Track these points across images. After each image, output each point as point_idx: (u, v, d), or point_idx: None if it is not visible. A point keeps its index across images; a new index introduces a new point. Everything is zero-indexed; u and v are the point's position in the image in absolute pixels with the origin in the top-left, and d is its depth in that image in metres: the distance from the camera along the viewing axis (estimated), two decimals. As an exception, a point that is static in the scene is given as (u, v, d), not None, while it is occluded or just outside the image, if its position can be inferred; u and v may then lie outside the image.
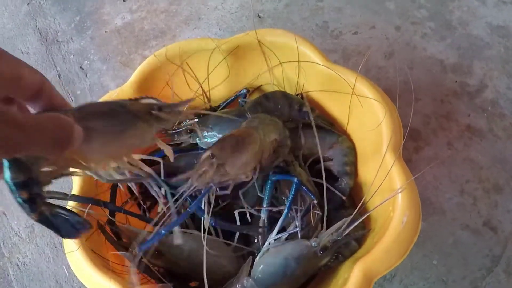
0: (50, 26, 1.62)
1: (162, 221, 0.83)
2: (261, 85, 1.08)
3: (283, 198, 0.92)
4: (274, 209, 0.92)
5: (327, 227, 0.87)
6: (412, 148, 1.18)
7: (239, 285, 0.85)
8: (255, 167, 0.85)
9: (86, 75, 1.47)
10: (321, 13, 1.40)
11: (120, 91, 0.99)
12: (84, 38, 1.56)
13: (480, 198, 1.12)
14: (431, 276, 1.05)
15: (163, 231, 0.82)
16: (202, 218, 0.89)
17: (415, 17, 1.37)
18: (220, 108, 1.07)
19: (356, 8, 1.40)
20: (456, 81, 1.26)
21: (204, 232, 0.85)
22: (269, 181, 0.92)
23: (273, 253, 0.85)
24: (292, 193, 0.90)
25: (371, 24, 1.37)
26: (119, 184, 0.91)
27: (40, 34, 1.61)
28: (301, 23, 1.40)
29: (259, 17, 1.40)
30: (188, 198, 0.87)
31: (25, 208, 0.58)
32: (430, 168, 1.14)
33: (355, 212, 0.85)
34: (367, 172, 0.93)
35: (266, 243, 0.88)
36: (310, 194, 0.90)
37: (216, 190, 0.85)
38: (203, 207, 0.90)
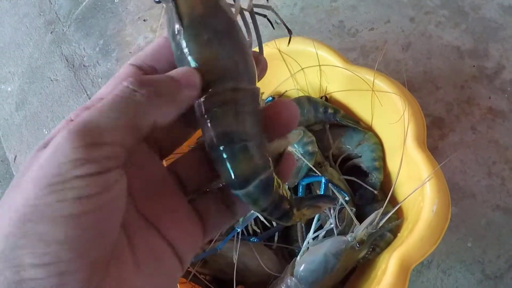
0: (75, 52, 1.66)
1: (216, 237, 0.88)
2: (286, 91, 1.11)
3: (317, 198, 0.96)
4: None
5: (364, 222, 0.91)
6: (437, 135, 1.20)
7: (284, 285, 0.89)
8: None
9: (116, 97, 1.50)
10: (336, 13, 1.43)
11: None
12: (110, 61, 1.60)
13: (508, 178, 1.14)
14: (467, 259, 1.07)
15: (218, 247, 0.88)
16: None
17: (427, 6, 1.39)
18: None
19: (369, 4, 1.42)
20: (474, 66, 1.27)
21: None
22: (300, 186, 0.96)
23: (312, 251, 0.89)
24: (322, 193, 0.93)
25: (386, 18, 1.39)
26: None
27: (67, 60, 1.65)
28: (318, 25, 1.42)
29: (277, 24, 1.42)
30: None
31: None
32: (457, 153, 1.16)
33: (384, 204, 0.88)
34: (395, 165, 0.96)
35: (305, 242, 0.92)
36: (341, 192, 0.94)
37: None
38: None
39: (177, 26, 0.42)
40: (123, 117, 0.36)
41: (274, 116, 0.46)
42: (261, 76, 0.48)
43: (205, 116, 0.42)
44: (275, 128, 0.46)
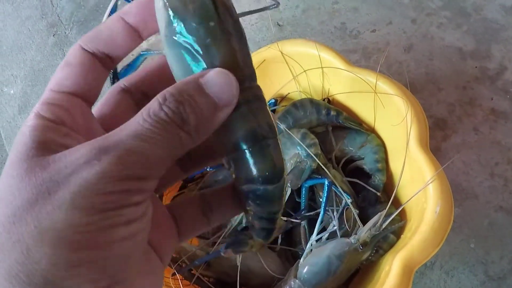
0: (78, 55, 1.66)
1: (219, 239, 0.88)
2: (288, 93, 1.12)
3: (320, 200, 0.96)
4: (312, 213, 0.96)
5: (366, 224, 0.91)
6: (440, 136, 1.20)
7: (287, 287, 0.89)
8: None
9: (118, 99, 1.50)
10: (338, 15, 1.43)
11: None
12: (112, 63, 1.59)
13: (511, 179, 1.13)
14: (470, 260, 1.07)
15: (221, 250, 0.88)
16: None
17: (429, 8, 1.39)
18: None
19: (371, 6, 1.42)
20: (476, 67, 1.27)
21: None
22: (303, 188, 0.96)
23: (316, 254, 0.89)
24: (325, 195, 0.93)
25: (388, 20, 1.39)
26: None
27: (69, 63, 1.65)
28: (320, 27, 1.42)
29: (279, 25, 1.43)
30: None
31: None
32: (459, 155, 1.16)
33: (387, 206, 0.88)
34: (398, 166, 0.96)
35: (308, 244, 0.92)
36: (344, 194, 0.94)
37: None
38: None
39: (204, 14, 0.38)
40: (168, 153, 0.36)
41: None
42: None
43: (240, 110, 0.40)
44: None
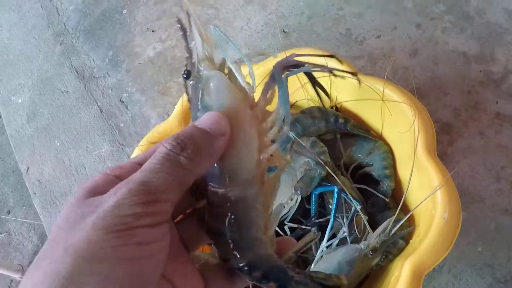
0: (85, 64, 1.67)
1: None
2: (296, 101, 1.13)
3: (330, 207, 0.97)
4: (322, 220, 0.97)
5: (376, 229, 0.92)
6: (446, 141, 1.21)
7: (298, 293, 0.90)
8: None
9: (127, 108, 1.51)
10: (343, 21, 1.44)
11: (165, 124, 1.04)
12: (120, 72, 1.61)
13: (517, 182, 1.15)
14: (478, 263, 1.08)
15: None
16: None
17: (433, 12, 1.40)
18: (260, 128, 1.11)
19: (375, 11, 1.43)
20: (480, 71, 1.28)
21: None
22: (313, 195, 0.98)
23: (326, 260, 0.90)
24: (335, 201, 0.94)
25: (392, 25, 1.40)
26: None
27: (77, 72, 1.66)
28: (325, 33, 1.43)
29: (284, 32, 1.43)
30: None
31: None
32: (465, 159, 1.17)
33: (396, 212, 0.89)
34: (406, 173, 0.96)
35: (319, 251, 0.93)
36: (354, 200, 0.95)
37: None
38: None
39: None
40: (173, 178, 0.42)
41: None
42: None
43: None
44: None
